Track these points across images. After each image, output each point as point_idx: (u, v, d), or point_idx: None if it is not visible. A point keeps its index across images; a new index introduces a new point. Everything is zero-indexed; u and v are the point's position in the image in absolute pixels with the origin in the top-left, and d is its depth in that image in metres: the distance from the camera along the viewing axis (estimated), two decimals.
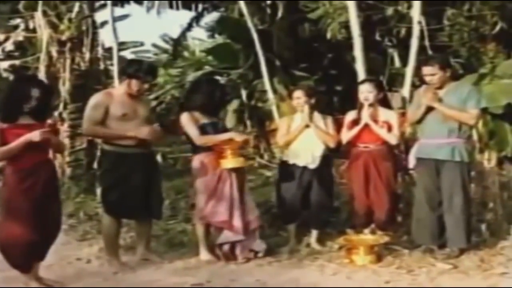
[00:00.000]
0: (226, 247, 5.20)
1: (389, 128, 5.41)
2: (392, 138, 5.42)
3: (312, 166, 5.42)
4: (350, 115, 5.54)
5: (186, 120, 5.27)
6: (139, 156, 5.11)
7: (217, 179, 5.17)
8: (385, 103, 5.60)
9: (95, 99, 5.12)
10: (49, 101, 4.78)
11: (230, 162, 5.13)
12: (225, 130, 5.53)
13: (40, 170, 4.53)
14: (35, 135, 4.37)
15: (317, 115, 5.52)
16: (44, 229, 4.50)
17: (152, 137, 5.14)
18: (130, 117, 5.07)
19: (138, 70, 5.12)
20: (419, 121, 5.18)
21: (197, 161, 5.27)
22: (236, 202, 5.16)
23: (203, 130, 5.26)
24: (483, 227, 5.47)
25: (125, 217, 5.38)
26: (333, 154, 5.72)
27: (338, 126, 5.57)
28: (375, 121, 5.41)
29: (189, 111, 5.32)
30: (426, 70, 5.09)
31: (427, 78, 5.09)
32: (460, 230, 4.99)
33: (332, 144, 5.47)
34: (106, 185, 5.24)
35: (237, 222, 5.13)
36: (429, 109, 5.05)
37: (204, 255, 5.24)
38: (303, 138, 5.47)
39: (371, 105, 5.42)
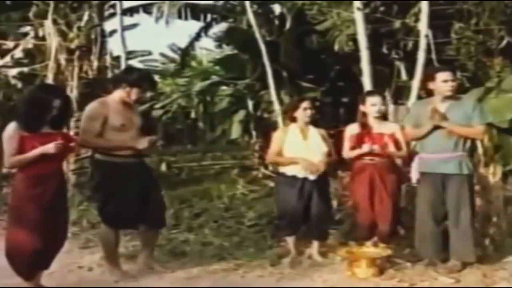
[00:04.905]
0: None
1: (395, 141, 5.38)
2: (402, 151, 5.40)
3: (312, 177, 5.38)
4: (351, 129, 5.47)
5: None
6: (132, 166, 5.01)
7: None
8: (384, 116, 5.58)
9: (92, 110, 4.98)
10: (68, 110, 4.80)
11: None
12: None
13: (51, 178, 4.53)
14: (50, 148, 4.40)
15: (312, 129, 5.49)
16: (51, 237, 4.50)
17: (149, 149, 5.08)
18: (128, 127, 5.00)
19: (140, 78, 5.05)
20: (423, 137, 5.15)
21: None
22: None
23: None
24: (487, 241, 5.44)
25: (123, 227, 5.31)
26: (337, 166, 5.69)
27: (341, 138, 5.54)
28: (382, 133, 5.38)
29: None
30: (446, 75, 5.01)
31: (446, 84, 4.98)
32: (468, 244, 4.95)
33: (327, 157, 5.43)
34: (102, 196, 5.12)
35: None
36: (434, 126, 5.02)
37: None
38: (303, 149, 5.40)
39: (378, 117, 5.41)
